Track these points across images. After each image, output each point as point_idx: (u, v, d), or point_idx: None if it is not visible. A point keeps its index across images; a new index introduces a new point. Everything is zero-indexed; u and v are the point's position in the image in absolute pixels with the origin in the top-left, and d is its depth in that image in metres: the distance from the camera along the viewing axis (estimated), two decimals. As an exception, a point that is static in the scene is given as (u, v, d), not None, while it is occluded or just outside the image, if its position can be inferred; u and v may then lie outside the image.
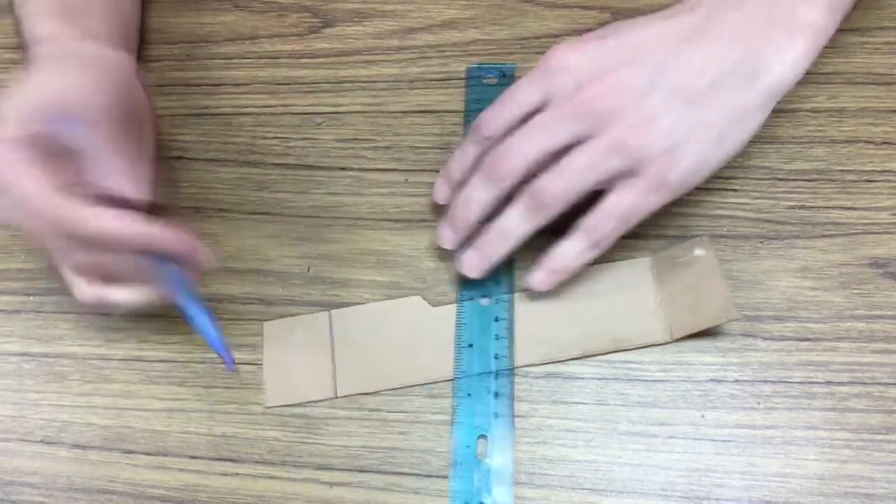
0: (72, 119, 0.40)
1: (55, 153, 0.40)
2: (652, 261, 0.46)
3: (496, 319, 0.46)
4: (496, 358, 0.45)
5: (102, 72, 0.43)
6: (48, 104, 0.40)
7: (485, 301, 0.46)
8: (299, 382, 0.46)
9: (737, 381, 0.45)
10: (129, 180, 0.42)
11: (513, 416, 0.45)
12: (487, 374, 0.45)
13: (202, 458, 0.47)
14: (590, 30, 0.52)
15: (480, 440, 0.44)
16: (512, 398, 0.45)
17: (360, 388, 0.46)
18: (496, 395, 0.45)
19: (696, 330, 0.44)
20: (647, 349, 0.46)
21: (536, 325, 0.46)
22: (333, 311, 0.47)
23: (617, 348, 0.45)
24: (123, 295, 0.42)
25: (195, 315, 0.42)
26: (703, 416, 0.44)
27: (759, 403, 0.44)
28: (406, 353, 0.46)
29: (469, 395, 0.45)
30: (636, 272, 0.46)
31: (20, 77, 0.42)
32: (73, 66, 0.43)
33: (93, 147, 0.41)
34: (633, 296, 0.45)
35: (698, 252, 0.45)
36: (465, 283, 0.47)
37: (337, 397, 0.46)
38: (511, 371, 0.45)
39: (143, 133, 0.46)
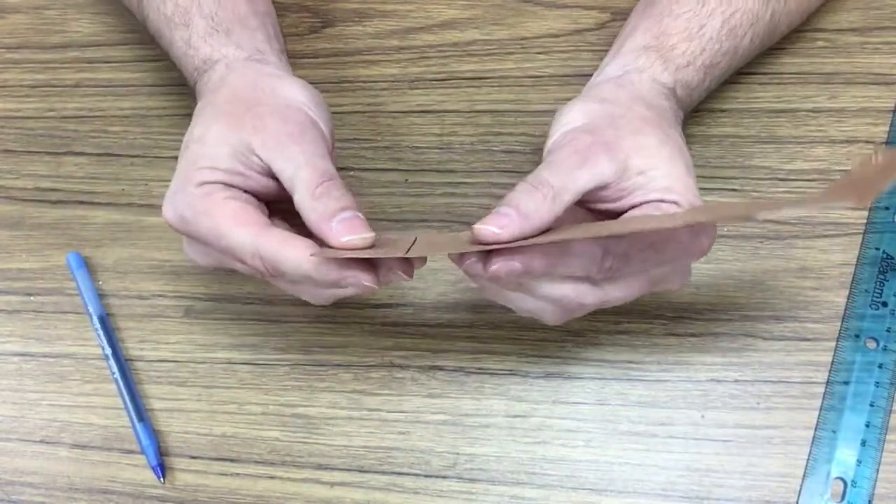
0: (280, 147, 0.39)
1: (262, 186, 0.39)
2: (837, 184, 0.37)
3: (879, 366, 0.45)
4: (872, 406, 0.44)
5: (309, 95, 0.42)
6: (243, 149, 0.39)
7: (871, 344, 0.45)
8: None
9: (737, 381, 0.45)
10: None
11: (878, 466, 0.43)
12: (859, 417, 0.44)
13: (202, 458, 0.47)
14: (589, 30, 0.53)
15: (835, 482, 0.43)
16: (880, 449, 0.43)
17: (432, 250, 0.38)
18: (863, 442, 0.43)
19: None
20: (648, 348, 0.46)
21: None
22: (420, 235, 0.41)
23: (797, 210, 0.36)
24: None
25: None
26: (703, 416, 0.44)
27: (758, 403, 0.44)
28: None
29: (834, 431, 0.44)
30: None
31: (205, 112, 0.41)
32: (264, 95, 0.41)
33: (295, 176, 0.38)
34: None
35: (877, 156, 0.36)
36: (853, 319, 0.45)
37: (406, 255, 0.37)
38: (884, 426, 0.43)
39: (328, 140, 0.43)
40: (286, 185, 0.38)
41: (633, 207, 0.38)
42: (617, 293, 0.38)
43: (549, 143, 0.40)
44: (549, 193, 0.36)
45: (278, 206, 0.40)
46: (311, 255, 0.36)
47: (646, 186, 0.37)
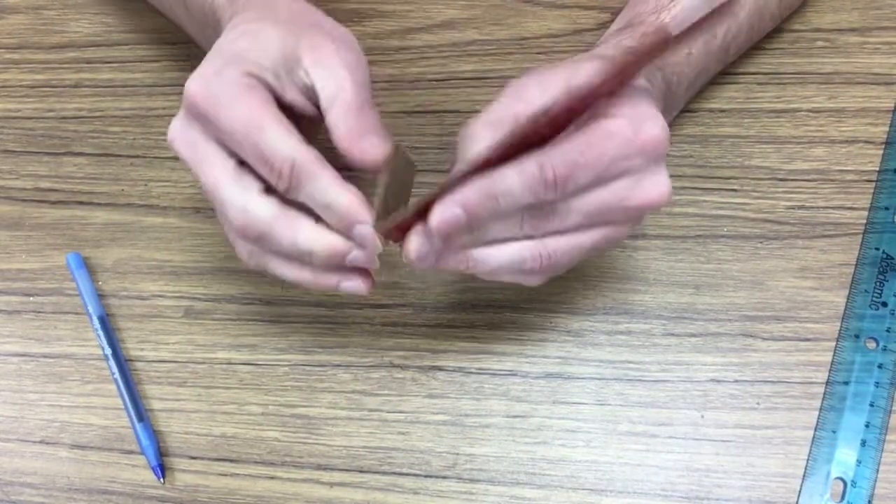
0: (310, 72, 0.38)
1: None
2: None
3: (879, 367, 0.45)
4: (871, 406, 0.44)
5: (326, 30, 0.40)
6: (293, 58, 0.38)
7: (871, 344, 0.45)
8: None
9: (736, 381, 0.45)
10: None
11: (877, 467, 0.43)
12: (858, 418, 0.44)
13: (202, 458, 0.47)
14: (589, 30, 0.53)
15: (835, 482, 0.43)
16: (880, 449, 0.43)
17: None
18: (863, 442, 0.43)
19: None
20: (648, 349, 0.46)
21: None
22: None
23: None
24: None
25: None
26: (702, 417, 0.44)
27: (758, 403, 0.44)
28: None
29: (834, 431, 0.44)
30: None
31: (257, 20, 0.39)
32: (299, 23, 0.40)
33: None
34: None
35: None
36: (853, 319, 0.45)
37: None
38: (883, 427, 0.44)
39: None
40: (324, 103, 0.38)
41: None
42: (563, 242, 0.37)
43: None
44: (494, 128, 0.35)
45: None
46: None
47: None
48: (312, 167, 0.36)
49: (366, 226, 0.36)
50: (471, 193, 0.34)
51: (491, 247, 0.37)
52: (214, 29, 0.43)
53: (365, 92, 0.38)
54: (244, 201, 0.37)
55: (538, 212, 0.36)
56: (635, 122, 0.36)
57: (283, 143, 0.36)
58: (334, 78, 0.38)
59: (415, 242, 0.36)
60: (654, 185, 0.36)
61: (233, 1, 0.42)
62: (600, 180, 0.35)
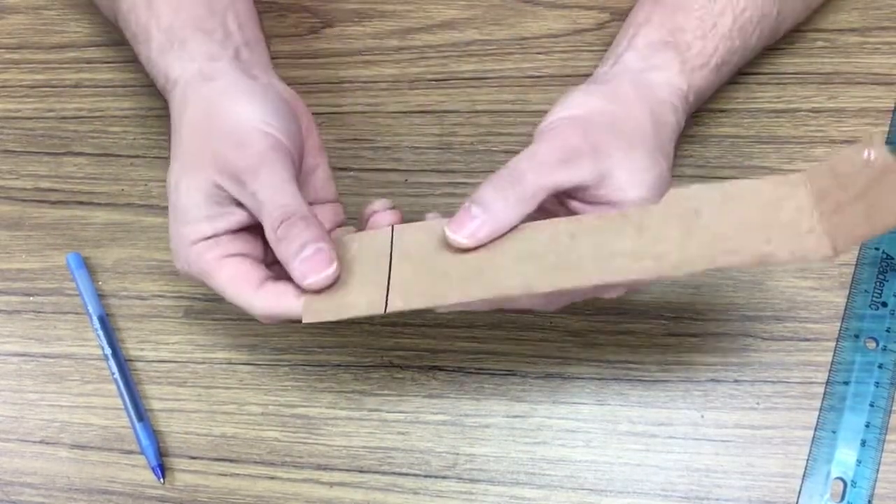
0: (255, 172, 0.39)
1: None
2: (806, 175, 0.36)
3: (879, 367, 0.44)
4: (871, 406, 0.44)
5: (274, 105, 0.41)
6: (213, 190, 0.39)
7: (871, 344, 0.45)
8: (345, 297, 0.39)
9: (736, 381, 0.45)
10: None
11: (878, 467, 0.43)
12: (858, 418, 0.44)
13: (202, 458, 0.47)
14: (589, 30, 0.53)
15: (835, 482, 0.43)
16: (880, 449, 0.43)
17: (413, 303, 0.38)
18: (863, 442, 0.43)
19: (870, 237, 0.34)
20: (647, 349, 0.46)
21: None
22: (396, 227, 0.40)
23: (762, 263, 0.35)
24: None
25: None
26: (702, 417, 0.44)
27: (758, 403, 0.44)
28: (472, 267, 0.38)
29: (834, 432, 0.44)
30: (784, 188, 0.36)
31: (173, 140, 0.41)
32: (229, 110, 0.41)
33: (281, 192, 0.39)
34: (780, 213, 0.35)
35: (870, 155, 0.34)
36: (853, 319, 0.45)
37: (385, 315, 0.38)
38: (883, 427, 0.43)
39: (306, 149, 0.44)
40: (257, 217, 0.39)
41: None
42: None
43: (544, 122, 0.40)
44: (522, 193, 0.37)
45: None
46: (303, 323, 0.38)
47: (617, 204, 0.38)
48: (277, 308, 0.39)
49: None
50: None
51: None
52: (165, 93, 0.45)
53: (282, 195, 0.38)
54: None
55: None
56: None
57: (248, 303, 0.39)
58: (249, 195, 0.38)
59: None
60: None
61: (166, 93, 0.44)
62: None
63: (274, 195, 0.38)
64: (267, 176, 0.38)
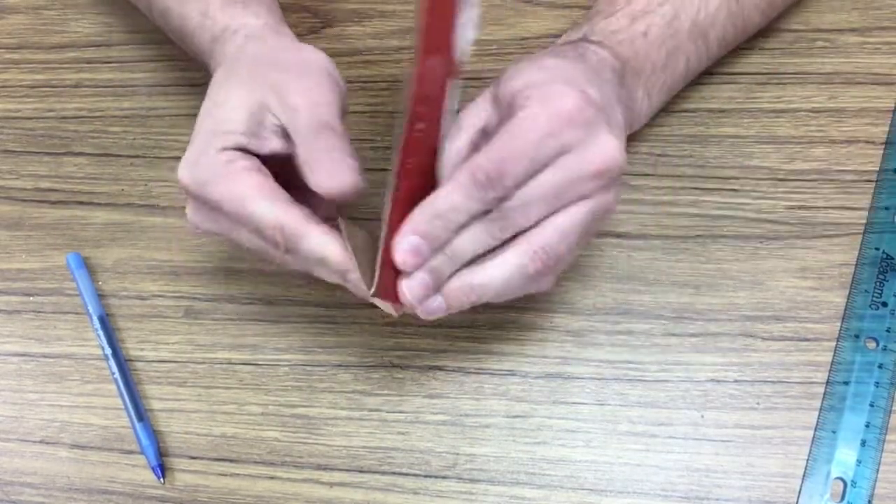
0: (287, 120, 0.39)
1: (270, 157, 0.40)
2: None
3: (879, 367, 0.44)
4: (871, 406, 0.44)
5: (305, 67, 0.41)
6: (259, 109, 0.39)
7: (871, 344, 0.45)
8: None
9: (736, 381, 0.45)
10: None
11: (878, 467, 0.43)
12: (858, 418, 0.44)
13: (202, 458, 0.47)
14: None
15: (835, 482, 0.43)
16: (880, 449, 0.43)
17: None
18: (863, 442, 0.43)
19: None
20: (648, 348, 0.46)
21: None
22: None
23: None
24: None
25: None
26: (702, 417, 0.44)
27: (758, 403, 0.44)
28: None
29: (834, 432, 0.44)
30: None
31: (226, 80, 0.41)
32: (281, 63, 0.41)
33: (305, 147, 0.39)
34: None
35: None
36: (853, 319, 0.45)
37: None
38: (883, 427, 0.43)
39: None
40: (291, 135, 0.39)
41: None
42: (548, 231, 0.37)
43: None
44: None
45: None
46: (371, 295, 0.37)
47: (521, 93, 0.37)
48: (301, 228, 0.38)
49: (356, 275, 0.38)
50: (418, 219, 0.36)
51: (483, 266, 0.37)
52: (207, 66, 0.46)
53: (325, 111, 0.38)
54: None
55: (497, 214, 0.36)
56: (546, 102, 0.36)
57: (268, 212, 0.38)
58: (291, 109, 0.38)
59: (406, 286, 0.37)
60: (599, 150, 0.37)
61: (212, 54, 0.45)
62: (538, 163, 0.36)
63: (318, 108, 0.38)
64: (315, 93, 0.39)
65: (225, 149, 0.39)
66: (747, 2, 0.47)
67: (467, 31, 0.37)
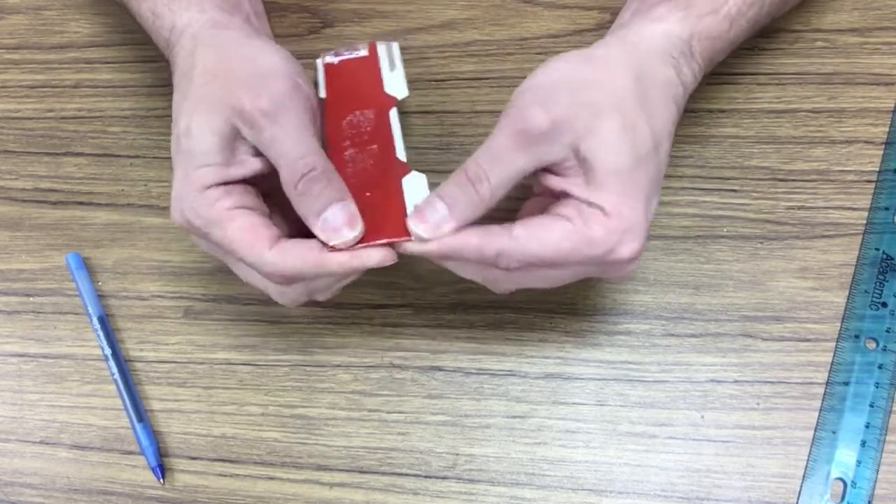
0: (258, 125, 0.38)
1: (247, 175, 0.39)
2: None
3: (879, 367, 0.44)
4: (871, 406, 0.44)
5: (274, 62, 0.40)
6: (230, 131, 0.38)
7: (871, 345, 0.45)
8: None
9: (736, 381, 0.45)
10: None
11: (878, 467, 0.43)
12: (858, 418, 0.44)
13: (202, 458, 0.47)
14: (589, 30, 0.53)
15: (835, 483, 0.43)
16: (880, 450, 0.43)
17: None
18: (863, 443, 0.43)
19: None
20: (648, 349, 0.46)
21: None
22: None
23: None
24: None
25: None
26: (702, 417, 0.44)
27: (758, 404, 0.44)
28: None
29: (834, 432, 0.44)
30: None
31: (184, 98, 0.40)
32: (242, 60, 0.40)
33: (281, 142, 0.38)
34: None
35: None
36: (853, 319, 0.45)
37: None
38: (883, 427, 0.43)
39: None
40: (274, 164, 0.38)
41: (563, 194, 0.37)
42: (531, 282, 0.39)
43: (515, 93, 0.39)
44: (484, 192, 0.37)
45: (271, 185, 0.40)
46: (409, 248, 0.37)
47: (591, 171, 0.37)
48: (295, 264, 0.37)
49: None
50: (436, 246, 0.37)
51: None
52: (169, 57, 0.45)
53: (303, 145, 0.38)
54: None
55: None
56: (613, 236, 0.36)
57: (260, 260, 0.37)
58: (268, 144, 0.38)
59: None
60: (618, 273, 0.39)
61: (170, 59, 0.44)
62: (554, 266, 0.38)
63: (294, 145, 0.37)
64: (286, 120, 0.38)
65: (205, 187, 0.38)
66: None
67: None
